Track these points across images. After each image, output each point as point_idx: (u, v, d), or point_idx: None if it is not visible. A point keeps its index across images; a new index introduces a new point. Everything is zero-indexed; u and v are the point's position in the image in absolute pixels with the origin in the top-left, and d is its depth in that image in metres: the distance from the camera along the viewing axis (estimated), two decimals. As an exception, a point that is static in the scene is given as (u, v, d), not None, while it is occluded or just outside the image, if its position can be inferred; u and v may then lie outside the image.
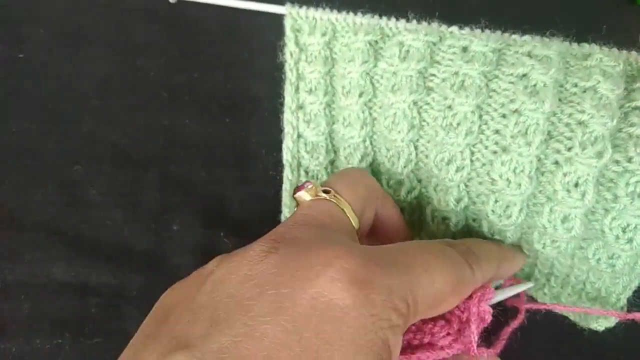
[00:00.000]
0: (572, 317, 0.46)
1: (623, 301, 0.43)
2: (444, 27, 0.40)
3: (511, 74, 0.37)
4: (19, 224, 0.51)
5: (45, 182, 0.52)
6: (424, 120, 0.39)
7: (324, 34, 0.41)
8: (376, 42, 0.41)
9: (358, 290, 0.24)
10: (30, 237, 0.50)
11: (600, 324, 0.44)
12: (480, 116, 0.37)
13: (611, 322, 0.44)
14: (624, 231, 0.36)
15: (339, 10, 0.41)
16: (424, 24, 0.40)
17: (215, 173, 0.53)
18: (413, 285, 0.26)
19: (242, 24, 0.55)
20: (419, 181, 0.42)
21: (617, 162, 0.36)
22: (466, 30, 0.40)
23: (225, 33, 0.55)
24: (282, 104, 0.46)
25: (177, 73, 0.55)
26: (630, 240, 0.36)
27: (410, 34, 0.39)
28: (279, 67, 0.45)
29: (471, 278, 0.30)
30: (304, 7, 0.42)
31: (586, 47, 0.38)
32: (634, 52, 0.38)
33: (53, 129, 0.53)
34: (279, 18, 0.52)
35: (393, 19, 0.40)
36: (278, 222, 0.46)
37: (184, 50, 0.55)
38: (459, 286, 0.29)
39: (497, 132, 0.37)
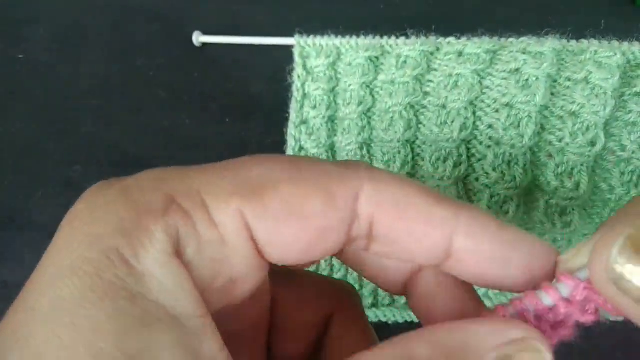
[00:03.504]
0: None
1: None
2: (441, 39, 0.42)
3: (504, 70, 0.38)
4: (19, 224, 0.51)
5: (45, 182, 0.52)
6: (420, 122, 0.41)
7: (328, 56, 0.44)
8: (377, 58, 0.43)
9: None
10: (30, 237, 0.51)
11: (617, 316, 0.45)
12: (474, 112, 0.39)
13: None
14: None
15: (343, 34, 0.44)
16: (423, 38, 0.42)
17: (215, 173, 0.53)
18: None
19: (242, 25, 0.55)
20: None
21: (612, 151, 0.36)
22: (463, 39, 0.41)
23: (225, 33, 0.55)
24: (282, 104, 0.46)
25: (177, 73, 0.55)
26: None
27: (407, 46, 0.41)
28: (279, 68, 0.46)
29: None
30: (311, 37, 0.44)
31: (584, 43, 0.39)
32: (636, 43, 0.39)
33: (53, 129, 0.53)
34: (279, 18, 0.52)
35: (393, 37, 0.43)
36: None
37: (184, 50, 0.55)
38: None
39: (490, 126, 0.38)
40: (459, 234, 0.20)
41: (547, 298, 0.19)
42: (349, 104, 0.43)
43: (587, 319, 0.20)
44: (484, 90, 0.39)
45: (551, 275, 0.21)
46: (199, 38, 0.53)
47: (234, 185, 0.20)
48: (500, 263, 0.20)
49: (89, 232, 0.18)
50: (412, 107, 0.41)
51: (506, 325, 0.19)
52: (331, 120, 0.45)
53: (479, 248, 0.20)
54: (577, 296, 0.19)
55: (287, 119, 0.46)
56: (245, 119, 0.54)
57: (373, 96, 0.43)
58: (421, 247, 0.21)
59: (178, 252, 0.19)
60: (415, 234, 0.21)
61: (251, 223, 0.20)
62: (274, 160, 0.21)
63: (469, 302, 0.23)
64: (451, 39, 0.41)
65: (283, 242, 0.20)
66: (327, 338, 0.28)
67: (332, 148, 0.45)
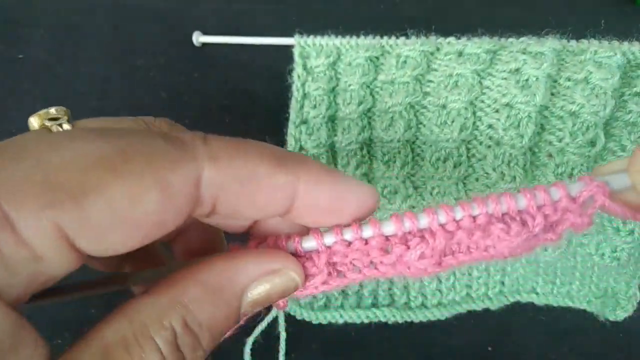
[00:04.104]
0: (589, 309, 0.47)
1: (634, 290, 0.44)
2: (441, 39, 0.42)
3: (504, 70, 0.38)
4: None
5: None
6: (420, 122, 0.41)
7: (328, 56, 0.44)
8: (377, 58, 0.43)
9: None
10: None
11: (618, 315, 0.45)
12: (474, 112, 0.39)
13: (628, 310, 0.45)
14: (624, 223, 0.37)
15: (343, 34, 0.44)
16: (423, 38, 0.42)
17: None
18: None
19: (242, 25, 0.55)
20: (415, 188, 0.42)
21: (612, 151, 0.36)
22: (463, 39, 0.41)
23: (225, 33, 0.55)
24: (282, 104, 0.46)
25: (177, 73, 0.55)
26: (631, 232, 0.37)
27: (407, 46, 0.41)
28: (279, 68, 0.46)
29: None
30: (311, 37, 0.44)
31: (584, 43, 0.39)
32: (636, 43, 0.39)
33: (53, 129, 0.53)
34: (279, 18, 0.52)
35: (393, 37, 0.43)
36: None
37: (184, 50, 0.55)
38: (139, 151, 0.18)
39: (490, 126, 0.38)
40: (298, 195, 0.21)
41: (556, 192, 0.21)
42: (349, 103, 0.43)
43: (583, 221, 0.21)
44: (484, 91, 0.39)
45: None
46: (199, 38, 0.53)
47: (44, 188, 0.16)
48: (334, 213, 0.22)
49: None
50: (412, 107, 0.41)
51: (266, 257, 0.21)
52: (331, 120, 0.44)
53: (316, 204, 0.22)
54: (585, 193, 0.21)
55: (287, 119, 0.46)
56: (245, 119, 0.54)
57: (373, 96, 0.43)
58: (263, 213, 0.22)
59: None
60: (259, 204, 0.21)
61: (71, 235, 0.17)
62: (93, 143, 0.18)
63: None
64: (451, 39, 0.41)
65: (111, 246, 0.18)
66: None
67: (332, 148, 0.45)
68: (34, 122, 0.28)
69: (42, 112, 0.28)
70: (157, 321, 0.19)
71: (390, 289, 0.46)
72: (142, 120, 0.32)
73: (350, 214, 0.22)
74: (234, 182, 0.20)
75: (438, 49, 0.41)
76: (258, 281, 0.21)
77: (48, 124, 0.28)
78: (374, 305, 0.46)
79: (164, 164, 0.18)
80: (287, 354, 0.50)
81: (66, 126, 0.28)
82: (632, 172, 0.21)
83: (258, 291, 0.21)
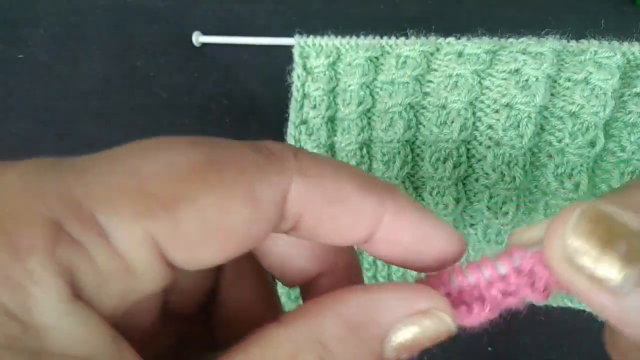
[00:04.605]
0: (589, 309, 0.46)
1: None
2: (441, 39, 0.41)
3: (504, 71, 0.38)
4: (19, 224, 0.51)
5: (45, 182, 0.52)
6: (420, 123, 0.41)
7: (328, 56, 0.44)
8: (377, 58, 0.43)
9: None
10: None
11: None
12: (474, 113, 0.39)
13: None
14: None
15: (343, 34, 0.44)
16: (423, 38, 0.42)
17: (215, 173, 0.53)
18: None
19: (242, 24, 0.55)
20: (415, 189, 0.43)
21: (612, 152, 0.37)
22: (463, 39, 0.41)
23: (225, 33, 0.55)
24: (282, 104, 0.46)
25: (177, 73, 0.55)
26: None
27: (407, 46, 0.41)
28: (279, 68, 0.46)
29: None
30: (311, 37, 0.44)
31: (584, 43, 0.39)
32: (636, 43, 0.39)
33: (53, 129, 0.53)
34: (279, 18, 0.52)
35: (393, 37, 0.43)
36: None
37: (184, 50, 0.55)
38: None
39: (490, 126, 0.38)
40: (381, 226, 0.20)
41: (501, 266, 0.20)
42: (348, 104, 0.43)
43: (537, 297, 0.20)
44: (483, 91, 0.39)
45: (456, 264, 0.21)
46: (198, 38, 0.53)
47: (137, 197, 0.16)
48: (414, 253, 0.21)
49: None
50: (412, 107, 0.41)
51: (414, 294, 0.19)
52: (331, 120, 0.44)
53: (397, 239, 0.20)
54: (524, 266, 0.19)
55: (287, 119, 0.46)
56: (245, 119, 0.54)
57: (373, 96, 0.43)
58: (343, 238, 0.20)
59: (75, 290, 0.15)
60: (341, 228, 0.20)
61: (163, 247, 0.16)
62: (183, 152, 0.17)
63: None
64: (451, 39, 0.41)
65: (202, 258, 0.18)
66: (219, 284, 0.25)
67: (331, 148, 0.45)
68: None
69: None
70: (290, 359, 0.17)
71: None
72: None
73: (431, 259, 0.21)
74: (320, 200, 0.19)
75: (438, 49, 0.41)
76: (404, 322, 0.19)
77: None
78: None
79: (254, 174, 0.18)
80: (287, 354, 0.50)
81: None
82: (549, 245, 0.18)
83: (404, 335, 0.19)
